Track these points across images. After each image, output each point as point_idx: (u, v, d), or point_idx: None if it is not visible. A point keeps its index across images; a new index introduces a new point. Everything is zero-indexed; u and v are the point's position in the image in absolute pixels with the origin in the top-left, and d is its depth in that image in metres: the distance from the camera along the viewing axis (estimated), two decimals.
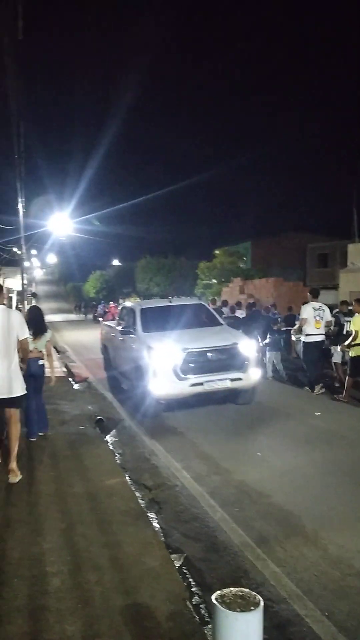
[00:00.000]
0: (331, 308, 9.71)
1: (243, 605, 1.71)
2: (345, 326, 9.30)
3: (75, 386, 10.41)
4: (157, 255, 40.29)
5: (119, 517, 3.98)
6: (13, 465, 4.80)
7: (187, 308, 9.22)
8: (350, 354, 8.19)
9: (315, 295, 9.09)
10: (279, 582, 3.20)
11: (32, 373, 5.88)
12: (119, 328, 9.15)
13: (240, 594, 1.77)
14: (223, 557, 3.57)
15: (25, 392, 4.93)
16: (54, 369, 6.55)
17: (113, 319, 15.18)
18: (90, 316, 45.51)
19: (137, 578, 3.10)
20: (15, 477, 4.75)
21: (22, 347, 4.87)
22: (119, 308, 10.53)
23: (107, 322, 12.29)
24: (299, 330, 9.11)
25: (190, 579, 3.31)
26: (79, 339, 22.63)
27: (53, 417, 7.34)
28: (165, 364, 7.13)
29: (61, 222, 25.27)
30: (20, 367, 4.91)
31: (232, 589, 1.81)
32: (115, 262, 55.08)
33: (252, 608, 1.71)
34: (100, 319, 37.39)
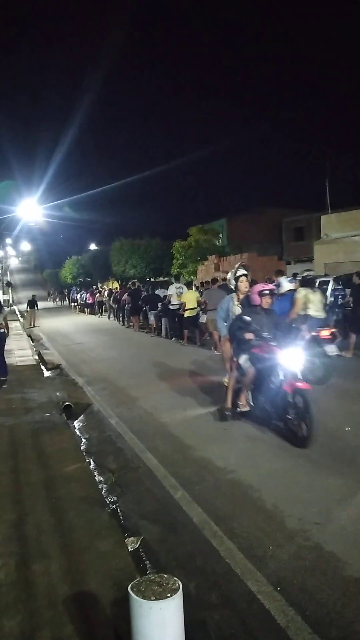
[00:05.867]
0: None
1: (159, 592, 1.61)
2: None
3: (47, 373, 10.23)
4: (131, 237, 39.59)
5: (76, 503, 3.87)
6: None
7: None
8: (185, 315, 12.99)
9: (177, 280, 17.09)
10: (233, 558, 3.13)
11: None
12: None
13: (158, 580, 1.66)
14: (180, 537, 3.48)
15: None
16: (9, 331, 9.84)
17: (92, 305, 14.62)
18: (65, 302, 45.15)
19: (87, 565, 3.00)
20: None
21: None
22: None
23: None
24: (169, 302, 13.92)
25: (147, 562, 3.22)
26: (55, 326, 22.34)
27: (18, 405, 7.18)
28: None
29: (30, 208, 24.59)
30: None
31: (150, 575, 1.70)
32: (92, 247, 54.18)
33: (169, 595, 1.60)
34: (74, 304, 36.35)
